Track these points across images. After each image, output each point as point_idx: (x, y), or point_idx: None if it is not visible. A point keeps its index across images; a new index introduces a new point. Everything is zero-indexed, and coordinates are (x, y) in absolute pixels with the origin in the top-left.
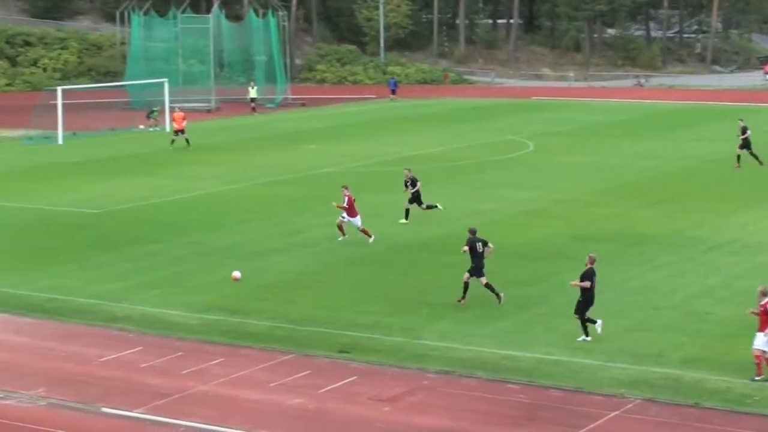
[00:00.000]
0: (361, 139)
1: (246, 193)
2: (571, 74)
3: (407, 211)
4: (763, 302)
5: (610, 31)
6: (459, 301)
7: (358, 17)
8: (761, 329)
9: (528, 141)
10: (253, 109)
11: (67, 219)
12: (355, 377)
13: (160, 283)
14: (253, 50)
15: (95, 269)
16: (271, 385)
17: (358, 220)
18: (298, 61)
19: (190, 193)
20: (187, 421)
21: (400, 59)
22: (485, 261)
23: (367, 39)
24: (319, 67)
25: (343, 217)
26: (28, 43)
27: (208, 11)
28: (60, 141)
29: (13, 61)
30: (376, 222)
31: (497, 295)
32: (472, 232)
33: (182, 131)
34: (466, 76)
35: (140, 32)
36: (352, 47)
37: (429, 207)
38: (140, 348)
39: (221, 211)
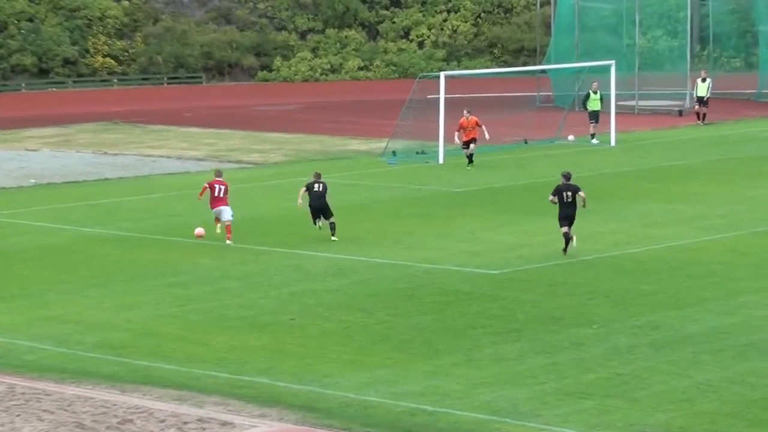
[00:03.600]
0: None
1: (736, 246)
2: None
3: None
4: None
5: None
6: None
7: None
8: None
9: None
10: (699, 115)
11: (446, 284)
12: None
13: (590, 387)
14: (756, 16)
15: (489, 365)
16: None
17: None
18: None
19: (643, 245)
20: None
21: None
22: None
23: None
24: None
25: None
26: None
27: None
28: (441, 160)
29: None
30: None
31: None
32: (566, 177)
33: (473, 141)
34: None
35: None
36: None
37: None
38: None
39: (694, 274)
